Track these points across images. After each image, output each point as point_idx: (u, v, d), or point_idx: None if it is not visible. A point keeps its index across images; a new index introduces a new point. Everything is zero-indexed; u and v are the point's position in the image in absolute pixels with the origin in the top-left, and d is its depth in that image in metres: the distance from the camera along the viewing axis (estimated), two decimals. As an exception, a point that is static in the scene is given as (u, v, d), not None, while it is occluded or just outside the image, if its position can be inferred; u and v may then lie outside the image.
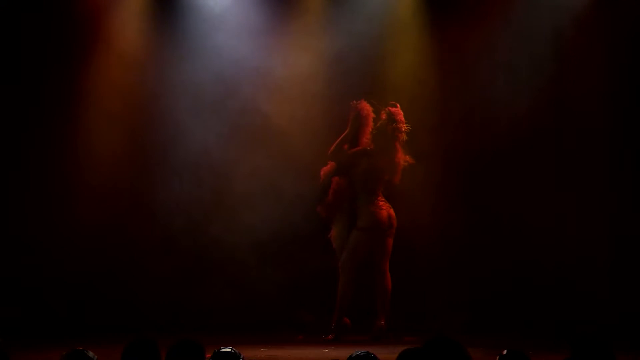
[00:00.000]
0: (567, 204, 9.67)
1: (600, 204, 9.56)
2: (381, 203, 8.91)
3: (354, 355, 3.98)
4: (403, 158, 8.97)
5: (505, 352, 3.95)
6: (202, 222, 9.96)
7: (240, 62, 10.02)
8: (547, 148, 9.83)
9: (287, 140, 10.01)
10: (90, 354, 3.98)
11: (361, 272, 8.98)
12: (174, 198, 9.97)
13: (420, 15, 10.11)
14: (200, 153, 10.01)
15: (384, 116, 8.93)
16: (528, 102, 9.74)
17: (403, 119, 8.92)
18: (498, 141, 9.80)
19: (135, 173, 10.04)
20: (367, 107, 8.98)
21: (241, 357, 4.05)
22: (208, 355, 4.11)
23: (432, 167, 9.90)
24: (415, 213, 9.92)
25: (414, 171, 9.80)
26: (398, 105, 8.95)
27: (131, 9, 10.08)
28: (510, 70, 9.80)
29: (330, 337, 8.81)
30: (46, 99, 9.84)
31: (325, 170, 9.02)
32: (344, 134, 8.98)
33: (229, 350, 4.07)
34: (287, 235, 9.83)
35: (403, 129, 8.91)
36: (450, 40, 9.93)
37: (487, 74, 9.84)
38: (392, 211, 8.96)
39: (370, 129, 8.97)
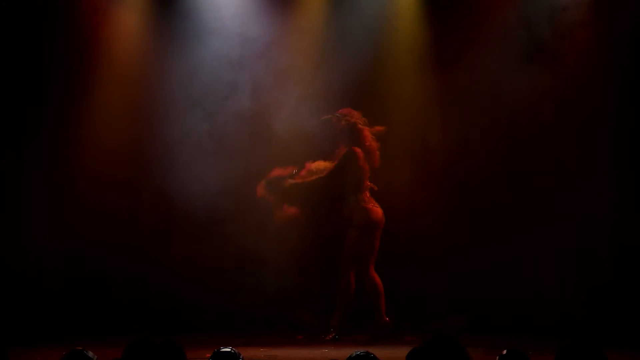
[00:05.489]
0: (567, 205, 9.66)
1: (601, 208, 9.55)
2: (372, 200, 8.97)
3: (354, 355, 3.98)
4: (372, 138, 8.99)
5: (505, 352, 3.94)
6: (203, 220, 9.96)
7: (239, 61, 10.02)
8: (547, 150, 9.82)
9: (286, 140, 10.00)
10: (90, 354, 3.97)
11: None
12: (174, 195, 9.96)
13: (420, 18, 10.11)
14: (201, 150, 10.01)
15: (339, 121, 8.99)
16: (528, 107, 9.75)
17: (349, 111, 8.96)
18: (498, 144, 9.79)
19: (136, 169, 10.04)
20: (345, 115, 9.02)
21: (241, 357, 4.04)
22: (208, 355, 4.11)
23: (433, 170, 9.91)
24: (416, 214, 9.93)
25: (414, 174, 9.82)
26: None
27: (133, 9, 10.09)
28: (510, 72, 9.78)
29: (329, 337, 8.82)
30: (47, 96, 9.86)
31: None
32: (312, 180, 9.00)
33: (229, 350, 4.07)
34: (289, 233, 9.83)
35: (355, 117, 8.95)
36: (450, 42, 9.92)
37: (487, 75, 9.83)
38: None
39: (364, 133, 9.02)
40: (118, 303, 9.75)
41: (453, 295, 9.75)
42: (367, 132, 9.01)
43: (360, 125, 8.99)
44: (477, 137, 9.90)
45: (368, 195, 8.97)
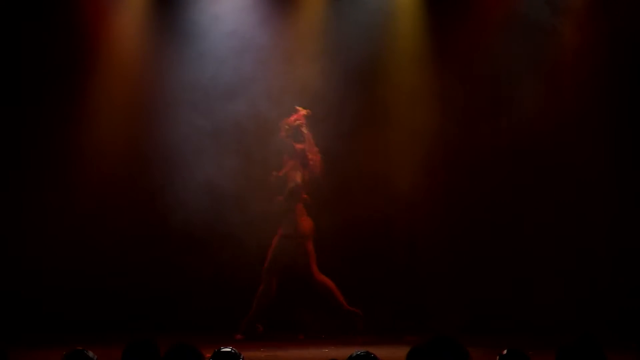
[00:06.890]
0: (567, 204, 9.67)
1: (600, 205, 9.56)
2: (304, 211, 9.08)
3: (354, 355, 3.97)
4: (313, 143, 9.19)
5: (505, 352, 3.94)
6: (203, 219, 9.96)
7: (239, 60, 10.02)
8: (547, 150, 9.82)
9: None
10: (90, 354, 3.97)
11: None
12: (175, 195, 9.96)
13: (421, 15, 10.11)
14: (201, 149, 10.01)
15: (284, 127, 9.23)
16: (527, 106, 9.75)
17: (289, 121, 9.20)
18: (498, 144, 9.80)
19: (136, 168, 10.05)
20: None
21: (241, 357, 4.04)
22: (208, 355, 4.11)
23: (433, 169, 9.91)
24: (416, 214, 9.93)
25: (414, 173, 9.82)
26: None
27: (132, 10, 10.10)
28: (510, 72, 9.79)
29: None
30: (47, 96, 9.87)
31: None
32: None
33: (229, 350, 4.06)
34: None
35: (298, 120, 9.18)
36: (450, 42, 9.92)
37: (486, 74, 9.83)
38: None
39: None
40: (118, 303, 9.75)
41: (453, 295, 9.75)
42: (309, 136, 9.13)
43: (303, 129, 9.12)
44: (477, 135, 9.90)
45: (301, 206, 9.08)
